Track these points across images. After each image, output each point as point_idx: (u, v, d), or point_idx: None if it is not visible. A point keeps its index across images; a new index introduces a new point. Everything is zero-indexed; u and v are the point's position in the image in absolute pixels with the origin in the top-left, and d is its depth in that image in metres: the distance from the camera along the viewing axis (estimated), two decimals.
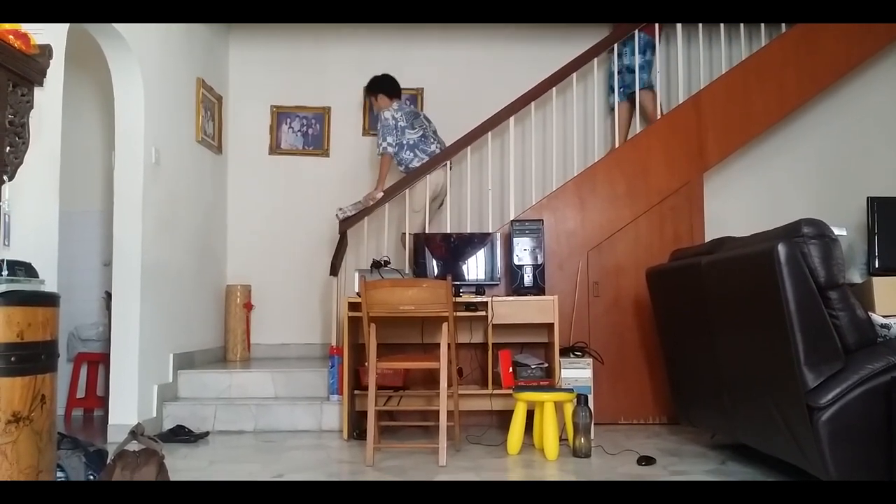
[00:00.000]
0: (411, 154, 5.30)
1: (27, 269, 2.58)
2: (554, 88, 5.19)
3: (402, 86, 5.63)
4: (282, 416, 4.61)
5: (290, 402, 4.70)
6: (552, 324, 4.38)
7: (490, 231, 4.99)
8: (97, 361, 5.30)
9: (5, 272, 2.31)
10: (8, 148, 2.00)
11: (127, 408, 4.23)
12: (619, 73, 5.63)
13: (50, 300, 2.51)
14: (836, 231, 2.95)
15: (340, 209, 5.10)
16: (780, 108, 5.18)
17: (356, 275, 4.59)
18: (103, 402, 5.13)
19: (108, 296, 4.95)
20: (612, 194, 4.99)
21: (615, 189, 4.99)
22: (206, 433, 4.44)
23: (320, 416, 4.63)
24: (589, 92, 5.57)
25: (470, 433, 4.43)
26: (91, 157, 5.51)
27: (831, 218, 3.22)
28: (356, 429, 4.41)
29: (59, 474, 2.72)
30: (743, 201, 5.80)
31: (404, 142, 5.30)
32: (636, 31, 5.28)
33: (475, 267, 4.81)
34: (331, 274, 5.04)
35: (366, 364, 4.17)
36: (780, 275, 2.80)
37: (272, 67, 6.21)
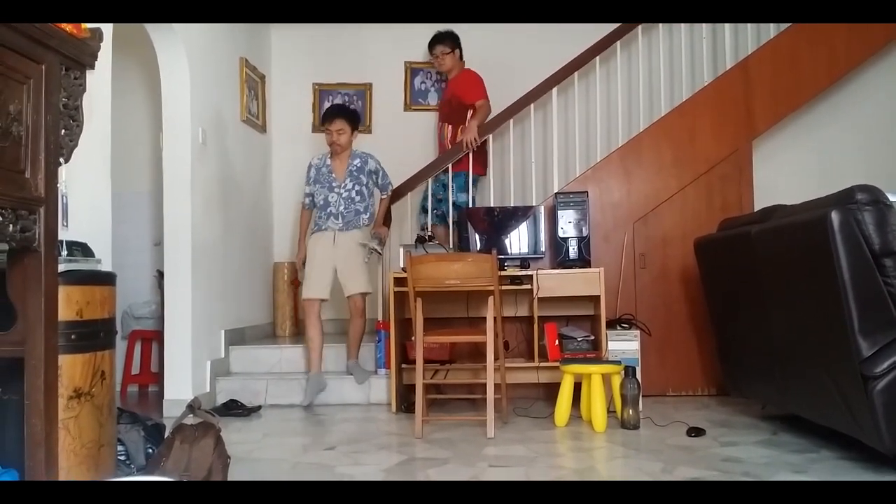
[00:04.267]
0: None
1: (84, 249, 2.65)
2: (598, 58, 5.12)
3: None
4: (331, 389, 4.68)
5: (339, 376, 4.77)
6: (598, 296, 4.36)
7: (533, 204, 4.96)
8: (151, 339, 5.43)
9: (64, 252, 2.38)
10: (63, 131, 2.05)
11: (181, 383, 4.34)
12: (434, 196, 5.29)
13: (107, 279, 2.58)
14: (891, 197, 2.87)
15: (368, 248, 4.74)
16: (830, 73, 5.04)
17: (401, 250, 4.62)
18: (157, 377, 5.27)
19: (160, 275, 5.07)
20: (659, 164, 4.92)
21: (661, 158, 4.92)
22: (259, 407, 4.53)
23: (369, 389, 4.69)
24: (633, 60, 5.47)
25: (517, 406, 4.45)
26: (138, 139, 5.61)
27: (885, 184, 3.12)
28: (404, 402, 4.46)
29: (119, 448, 2.81)
30: (793, 169, 5.66)
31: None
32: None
33: (519, 240, 4.79)
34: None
35: (412, 338, 4.22)
36: (833, 243, 2.74)
37: (314, 45, 6.23)
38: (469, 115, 5.19)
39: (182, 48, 4.38)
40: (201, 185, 4.59)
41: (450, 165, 5.13)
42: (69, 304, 2.35)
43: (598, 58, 5.12)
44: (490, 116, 5.18)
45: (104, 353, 2.52)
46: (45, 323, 1.94)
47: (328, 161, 4.80)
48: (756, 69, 4.99)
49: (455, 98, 5.33)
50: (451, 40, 5.47)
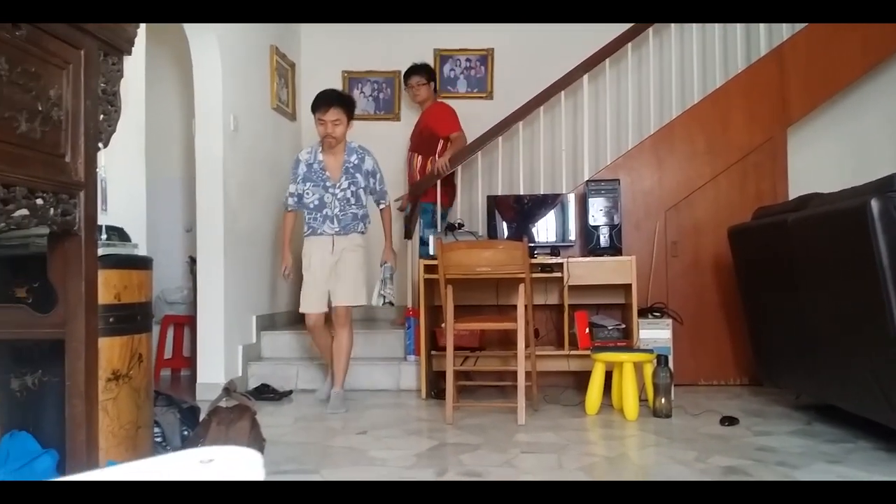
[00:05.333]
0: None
1: (120, 234, 2.69)
2: (629, 44, 5.07)
3: (472, 46, 5.57)
4: (361, 375, 4.70)
5: (369, 362, 4.79)
6: (629, 285, 4.33)
7: (563, 192, 4.93)
8: (183, 323, 5.49)
9: (103, 236, 2.41)
10: (102, 116, 2.06)
11: (214, 367, 4.39)
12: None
13: (144, 263, 2.61)
14: None
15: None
16: (864, 61, 4.93)
17: (431, 238, 4.62)
18: (189, 362, 5.33)
19: (192, 260, 5.12)
20: (691, 152, 4.86)
21: (694, 146, 4.87)
22: (290, 391, 4.57)
23: (398, 375, 4.71)
24: (665, 47, 5.40)
25: (546, 394, 4.44)
26: (169, 126, 5.66)
27: None
28: (433, 388, 4.47)
29: (156, 430, 2.85)
30: (828, 157, 5.57)
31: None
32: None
33: (549, 228, 4.78)
34: (405, 237, 5.08)
35: (442, 325, 4.22)
36: (872, 231, 2.70)
37: (343, 33, 6.23)
38: (441, 146, 5.23)
39: (214, 36, 4.41)
40: (233, 172, 4.63)
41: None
42: (107, 287, 2.39)
43: (629, 44, 5.07)
44: (520, 104, 5.14)
45: (141, 336, 2.55)
46: (85, 306, 1.96)
47: (319, 156, 4.27)
48: (791, 56, 4.90)
49: (427, 129, 5.33)
50: (427, 72, 5.49)
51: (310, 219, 4.28)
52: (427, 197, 5.13)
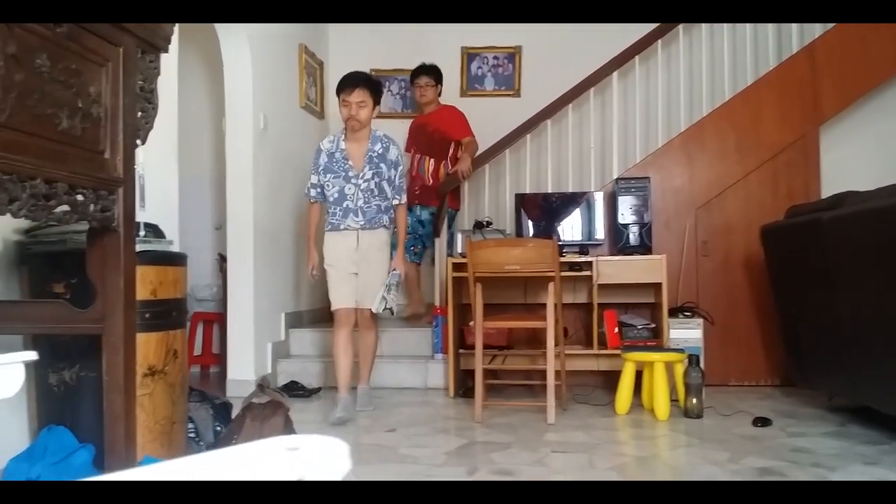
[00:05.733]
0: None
1: (155, 231, 2.71)
2: (659, 41, 5.03)
3: (500, 43, 5.55)
4: (388, 373, 4.71)
5: (396, 360, 4.79)
6: (659, 284, 4.30)
7: (591, 190, 4.90)
8: (212, 320, 5.54)
9: (142, 232, 2.43)
10: (139, 113, 2.08)
11: (244, 364, 4.42)
12: (413, 232, 5.23)
13: (179, 260, 2.63)
14: None
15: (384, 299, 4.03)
16: None
17: (459, 236, 4.61)
18: (219, 359, 5.38)
19: (221, 258, 5.16)
20: (722, 150, 4.81)
21: (725, 144, 4.81)
22: (318, 389, 4.59)
23: (426, 374, 4.71)
24: (695, 44, 5.34)
25: (575, 393, 4.42)
26: (198, 124, 5.69)
27: None
28: (461, 387, 4.46)
29: (189, 425, 2.87)
30: (860, 155, 5.46)
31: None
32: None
33: (577, 226, 4.75)
34: (434, 236, 5.07)
35: (470, 324, 4.21)
36: None
37: (371, 32, 6.23)
38: (453, 150, 5.26)
39: (244, 36, 4.44)
40: (262, 170, 4.65)
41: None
42: (143, 283, 2.41)
43: (659, 41, 5.03)
44: (548, 102, 5.11)
45: (176, 332, 2.57)
46: (124, 301, 1.97)
47: (342, 144, 4.03)
48: (823, 53, 4.83)
49: (439, 133, 5.31)
50: (436, 74, 5.44)
51: (331, 213, 4.01)
52: (436, 201, 5.17)
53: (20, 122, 1.65)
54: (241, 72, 4.50)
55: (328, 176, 4.01)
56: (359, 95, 3.95)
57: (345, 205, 3.97)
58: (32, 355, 1.01)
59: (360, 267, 3.97)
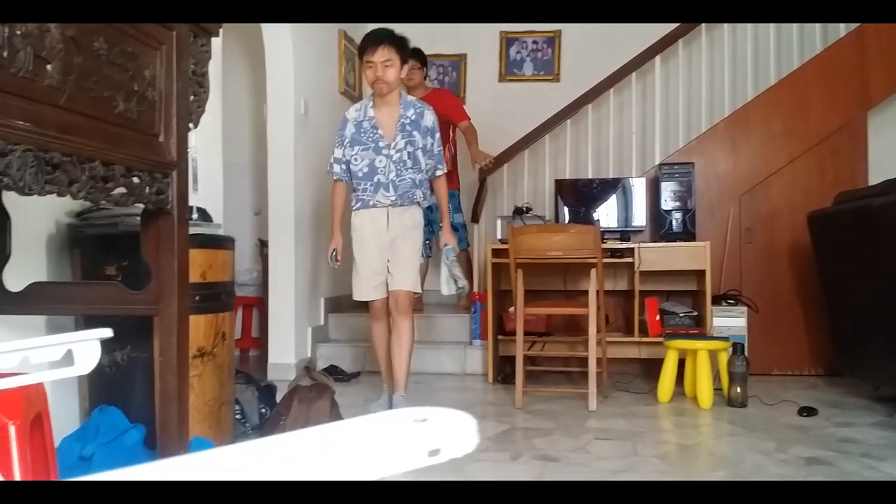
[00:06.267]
0: None
1: (203, 214, 2.73)
2: (703, 25, 4.95)
3: (538, 29, 5.50)
4: (427, 359, 4.71)
5: (434, 346, 4.80)
6: (702, 271, 4.25)
7: (633, 175, 4.85)
8: (252, 305, 5.59)
9: (195, 215, 2.45)
10: (192, 97, 2.09)
11: (285, 348, 4.46)
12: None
13: (227, 243, 2.65)
14: None
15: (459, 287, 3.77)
16: None
17: (498, 221, 4.60)
18: (258, 343, 5.43)
19: (261, 243, 5.20)
20: (767, 135, 4.73)
21: (770, 130, 4.73)
22: (358, 373, 4.61)
23: (464, 360, 4.71)
24: (739, 27, 5.24)
25: (615, 381, 4.39)
26: (237, 110, 5.73)
27: None
28: (500, 373, 4.46)
29: (236, 407, 2.90)
30: None
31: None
32: None
33: (617, 212, 4.70)
34: (472, 221, 5.06)
35: (510, 310, 4.19)
36: None
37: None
38: (452, 134, 5.14)
39: (286, 23, 4.44)
40: (303, 155, 4.67)
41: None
42: (193, 266, 2.42)
43: (703, 25, 4.95)
44: (588, 87, 5.06)
45: (224, 314, 2.60)
46: (177, 283, 1.99)
47: (370, 112, 3.62)
48: (872, 36, 4.71)
49: (441, 116, 5.17)
50: (421, 57, 5.04)
51: (359, 189, 3.61)
52: (451, 184, 4.73)
53: (79, 105, 1.66)
54: (283, 58, 4.51)
55: (356, 149, 3.59)
56: (383, 54, 3.50)
57: (376, 179, 3.56)
58: (108, 332, 1.02)
59: (391, 249, 3.60)
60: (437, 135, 3.69)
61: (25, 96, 1.51)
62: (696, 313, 4.35)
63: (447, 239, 3.73)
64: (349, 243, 3.71)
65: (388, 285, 3.61)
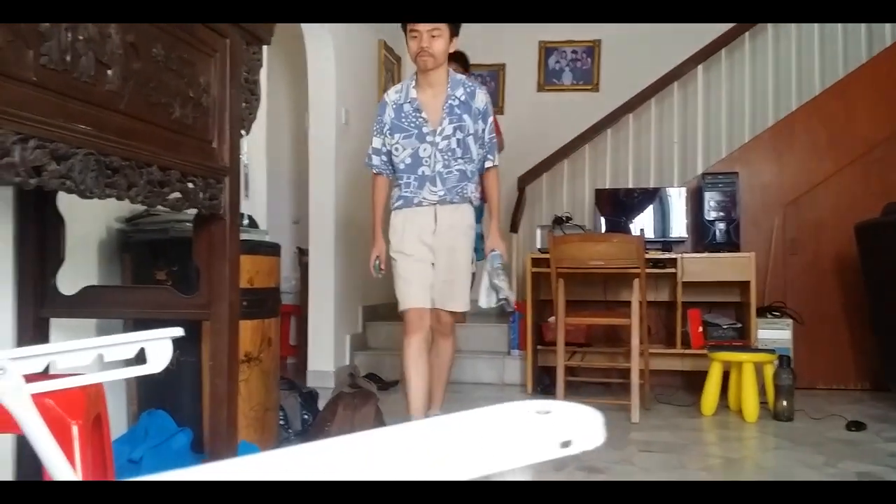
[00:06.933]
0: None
1: (251, 221, 2.76)
2: (746, 34, 4.89)
3: (579, 37, 5.48)
4: (465, 368, 4.70)
5: (473, 355, 4.78)
6: (746, 282, 4.18)
7: (674, 185, 4.80)
8: (289, 313, 5.62)
9: (246, 221, 2.48)
10: (244, 104, 2.11)
11: (324, 355, 4.47)
12: None
13: (273, 250, 2.67)
14: None
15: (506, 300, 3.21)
16: None
17: (538, 231, 4.58)
18: (296, 350, 5.46)
19: (300, 251, 5.23)
20: (812, 145, 4.65)
21: (815, 139, 4.65)
22: (396, 381, 4.61)
23: (502, 369, 4.69)
24: (782, 36, 5.17)
25: (656, 393, 4.34)
26: (277, 118, 5.77)
27: None
28: (539, 384, 4.43)
29: (279, 413, 2.91)
30: None
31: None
32: None
33: (658, 222, 4.65)
34: (510, 230, 5.05)
35: (549, 320, 4.17)
36: None
37: None
38: None
39: (328, 34, 4.49)
40: (343, 164, 4.70)
41: None
42: (241, 272, 2.44)
43: (746, 34, 4.90)
44: (629, 96, 5.04)
45: (270, 320, 2.61)
46: (229, 288, 2.01)
47: (412, 93, 3.11)
48: None
49: None
50: (465, 62, 4.52)
51: (401, 184, 3.13)
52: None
53: (138, 110, 1.69)
54: (325, 68, 4.55)
55: (396, 136, 3.10)
56: (429, 23, 3.02)
57: (420, 171, 3.07)
58: (179, 331, 1.03)
59: (439, 255, 3.09)
60: (491, 119, 3.17)
61: (87, 101, 1.54)
62: (739, 325, 4.29)
63: (495, 243, 3.20)
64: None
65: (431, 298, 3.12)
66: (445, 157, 3.07)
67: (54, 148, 1.42)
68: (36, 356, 0.94)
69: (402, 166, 3.11)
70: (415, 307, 3.08)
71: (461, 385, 4.58)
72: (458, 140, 3.08)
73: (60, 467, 1.01)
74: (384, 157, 3.17)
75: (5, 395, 0.90)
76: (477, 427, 0.46)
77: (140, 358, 1.31)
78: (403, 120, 3.10)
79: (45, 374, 1.33)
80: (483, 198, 3.32)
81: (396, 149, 3.11)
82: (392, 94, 3.17)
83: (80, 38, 1.50)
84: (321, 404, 3.10)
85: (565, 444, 0.45)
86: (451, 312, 3.15)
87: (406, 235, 3.10)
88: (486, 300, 3.14)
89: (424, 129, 3.08)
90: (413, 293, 3.08)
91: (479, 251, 3.53)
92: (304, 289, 4.84)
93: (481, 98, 3.14)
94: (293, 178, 5.67)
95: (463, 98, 3.10)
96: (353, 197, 4.88)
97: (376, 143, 3.18)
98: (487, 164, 3.19)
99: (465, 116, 3.08)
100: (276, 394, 2.70)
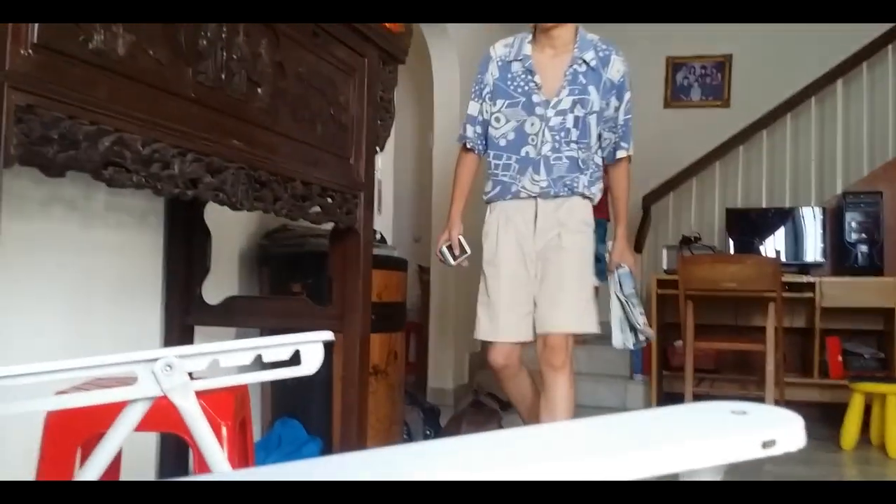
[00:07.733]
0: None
1: (380, 237, 2.82)
2: (890, 46, 4.61)
3: (708, 52, 5.32)
4: (585, 391, 4.58)
5: (593, 378, 4.67)
6: (891, 309, 3.91)
7: (811, 204, 4.56)
8: (409, 330, 5.68)
9: (378, 236, 2.54)
10: (379, 122, 2.17)
11: (444, 373, 4.50)
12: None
13: (401, 265, 2.72)
14: None
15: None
16: None
17: (664, 251, 4.45)
18: (414, 367, 5.51)
19: (421, 269, 5.29)
20: None
21: None
22: None
23: (624, 394, 4.57)
24: None
25: None
26: (400, 135, 5.87)
27: None
28: None
29: (403, 427, 2.95)
30: None
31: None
32: None
33: (792, 244, 4.43)
34: (634, 250, 4.94)
35: (675, 343, 4.03)
36: None
37: None
38: None
39: (454, 50, 4.55)
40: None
41: None
42: (372, 285, 2.50)
43: (890, 46, 4.62)
44: (762, 112, 4.84)
45: (397, 334, 2.66)
46: (361, 300, 2.05)
47: (525, 48, 2.45)
48: None
49: None
50: None
51: (496, 167, 2.50)
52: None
53: (285, 127, 1.76)
54: (450, 87, 4.61)
55: (499, 103, 2.45)
56: None
57: (524, 151, 2.42)
58: (329, 335, 1.06)
59: (547, 263, 2.43)
60: (627, 95, 2.49)
61: (239, 117, 1.61)
62: (882, 355, 4.01)
63: (622, 255, 2.51)
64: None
65: (534, 324, 2.43)
66: (556, 137, 2.39)
67: (209, 161, 1.50)
68: (201, 354, 0.98)
69: (502, 142, 2.46)
70: (502, 341, 2.44)
71: (582, 409, 4.47)
72: (575, 118, 2.39)
73: (224, 467, 1.05)
74: (479, 130, 2.53)
75: (174, 391, 0.95)
76: (672, 424, 0.45)
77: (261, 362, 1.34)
78: (510, 82, 2.43)
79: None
80: (604, 198, 2.62)
81: (497, 119, 2.45)
82: (500, 48, 2.49)
83: (234, 57, 1.58)
84: (442, 421, 3.12)
85: (768, 444, 0.43)
86: (564, 338, 2.38)
87: (502, 245, 2.51)
88: (622, 339, 2.49)
89: (535, 98, 2.41)
90: (502, 324, 2.44)
91: (602, 273, 2.79)
92: (424, 306, 4.89)
93: (618, 67, 2.44)
94: (415, 197, 5.76)
95: (593, 63, 2.40)
96: (478, 216, 4.89)
97: (472, 108, 2.55)
98: (619, 154, 2.52)
99: (592, 88, 2.39)
100: (401, 408, 2.74)
